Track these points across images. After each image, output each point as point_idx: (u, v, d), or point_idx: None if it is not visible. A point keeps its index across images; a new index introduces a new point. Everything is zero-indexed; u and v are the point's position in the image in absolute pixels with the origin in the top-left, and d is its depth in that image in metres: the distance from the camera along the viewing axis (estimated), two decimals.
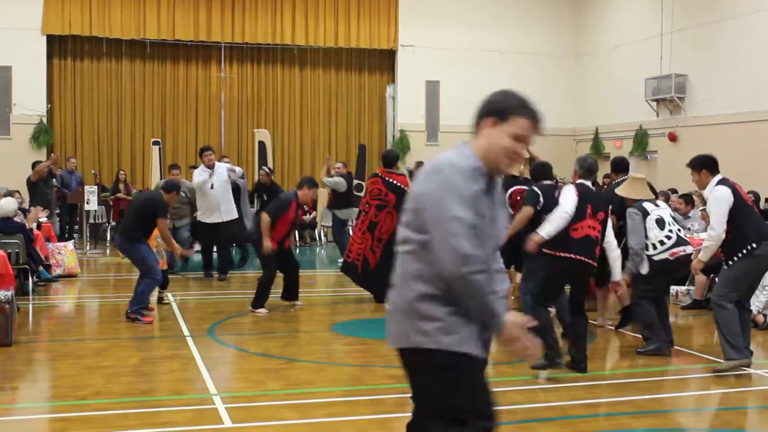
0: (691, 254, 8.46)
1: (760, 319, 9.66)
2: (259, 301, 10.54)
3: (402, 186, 11.12)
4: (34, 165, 16.98)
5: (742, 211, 7.47)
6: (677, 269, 8.55)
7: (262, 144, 20.38)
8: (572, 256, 7.31)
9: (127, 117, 21.97)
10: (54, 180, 17.52)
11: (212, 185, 13.30)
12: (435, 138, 23.24)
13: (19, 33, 20.30)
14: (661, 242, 8.34)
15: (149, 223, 9.95)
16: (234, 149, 22.60)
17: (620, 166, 10.36)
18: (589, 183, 7.65)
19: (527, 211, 8.68)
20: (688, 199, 12.98)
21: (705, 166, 7.68)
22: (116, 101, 21.91)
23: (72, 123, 21.61)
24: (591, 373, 7.60)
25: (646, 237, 8.37)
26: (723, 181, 7.58)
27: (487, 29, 23.48)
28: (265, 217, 10.29)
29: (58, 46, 21.41)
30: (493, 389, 6.72)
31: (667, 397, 6.91)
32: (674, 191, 15.46)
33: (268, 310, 10.46)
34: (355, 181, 21.70)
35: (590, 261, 7.41)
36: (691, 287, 11.33)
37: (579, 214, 7.34)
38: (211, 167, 13.43)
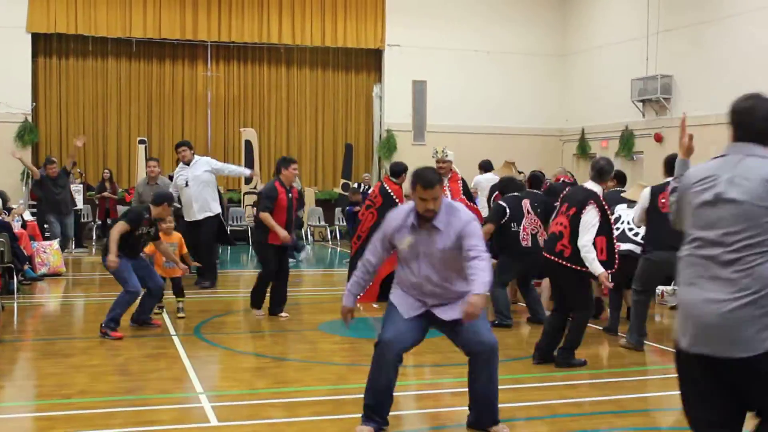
0: (628, 251, 8.91)
1: None
2: (255, 298, 10.33)
3: (393, 194, 11.33)
4: (47, 162, 16.20)
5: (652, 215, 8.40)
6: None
7: (248, 143, 20.36)
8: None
9: (113, 116, 21.89)
10: (68, 177, 16.52)
11: (187, 182, 12.54)
12: (422, 138, 23.25)
13: (3, 31, 20.19)
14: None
15: (130, 239, 9.02)
16: (220, 148, 22.55)
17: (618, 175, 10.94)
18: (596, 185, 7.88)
19: (488, 227, 9.53)
20: None
21: None
22: (102, 100, 21.84)
23: (57, 122, 21.52)
24: (577, 372, 7.62)
25: None
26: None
27: (474, 29, 23.51)
28: (263, 215, 9.99)
29: (43, 45, 21.31)
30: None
31: (652, 396, 6.94)
32: None
33: (263, 313, 10.34)
34: (342, 181, 21.75)
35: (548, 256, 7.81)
36: (677, 287, 11.37)
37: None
38: (186, 164, 12.76)
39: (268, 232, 9.99)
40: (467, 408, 5.87)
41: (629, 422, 6.23)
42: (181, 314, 10.00)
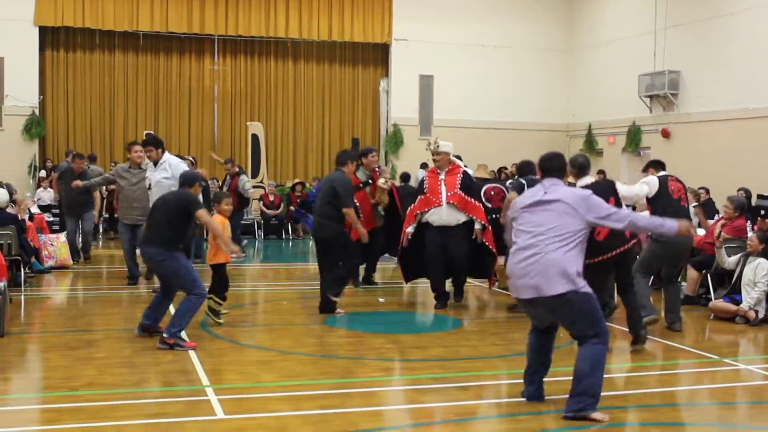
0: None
1: (752, 315, 9.69)
2: (338, 290, 9.99)
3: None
4: (75, 156, 14.53)
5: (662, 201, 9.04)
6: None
7: (255, 137, 20.37)
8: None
9: (119, 109, 21.93)
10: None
11: (149, 185, 10.71)
12: (428, 132, 23.22)
13: (11, 24, 20.24)
14: None
15: (182, 226, 8.18)
16: (227, 142, 22.59)
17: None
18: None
19: (513, 195, 9.16)
20: None
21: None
22: (109, 93, 21.88)
23: (64, 115, 21.57)
24: None
25: None
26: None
27: (481, 24, 23.49)
28: (348, 211, 9.70)
29: (51, 38, 21.35)
30: (486, 383, 6.76)
31: (658, 391, 6.92)
32: None
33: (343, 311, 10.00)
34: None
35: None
36: (683, 283, 11.35)
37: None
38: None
39: (346, 225, 9.86)
40: (473, 402, 5.87)
41: (635, 417, 6.23)
42: (218, 319, 9.13)
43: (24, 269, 11.58)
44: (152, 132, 20.11)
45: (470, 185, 10.37)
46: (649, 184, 9.07)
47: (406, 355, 8.11)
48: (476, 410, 6.15)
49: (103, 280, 13.11)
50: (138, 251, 10.77)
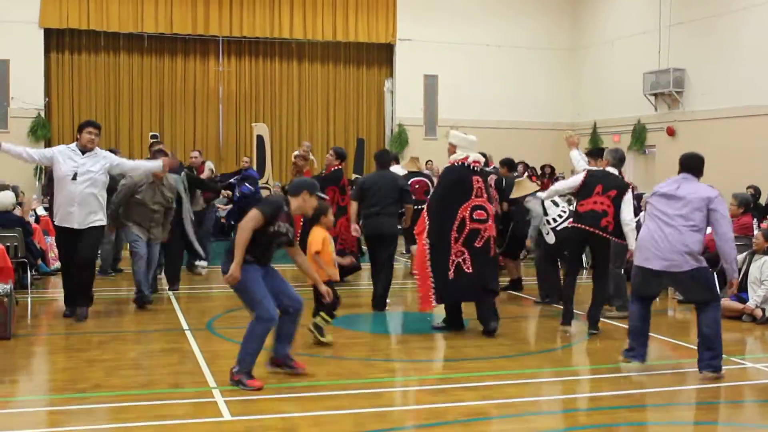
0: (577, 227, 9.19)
1: (759, 313, 9.67)
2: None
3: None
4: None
5: None
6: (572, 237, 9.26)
7: (260, 138, 20.38)
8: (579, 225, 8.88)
9: (125, 111, 21.97)
10: None
11: (75, 175, 9.20)
12: (433, 132, 23.26)
13: (16, 26, 20.29)
14: (559, 216, 10.39)
15: (262, 238, 6.62)
16: (232, 143, 22.62)
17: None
18: (614, 170, 9.09)
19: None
20: None
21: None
22: (114, 95, 21.92)
23: (70, 117, 21.61)
24: (590, 366, 7.61)
25: (546, 214, 10.50)
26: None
27: (485, 23, 23.48)
28: (410, 207, 10.61)
29: (56, 40, 21.40)
30: (492, 383, 6.76)
31: (665, 390, 6.91)
32: None
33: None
34: (354, 176, 21.73)
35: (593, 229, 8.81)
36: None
37: (585, 193, 8.92)
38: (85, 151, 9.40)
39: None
40: (480, 402, 5.86)
41: (643, 417, 6.22)
42: (323, 338, 8.27)
43: (30, 271, 11.59)
44: (157, 134, 20.13)
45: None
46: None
47: (413, 355, 8.11)
48: (483, 411, 6.15)
49: (109, 282, 13.12)
50: None
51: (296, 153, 12.27)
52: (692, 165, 7.55)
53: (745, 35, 18.29)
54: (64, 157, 9.21)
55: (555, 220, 10.45)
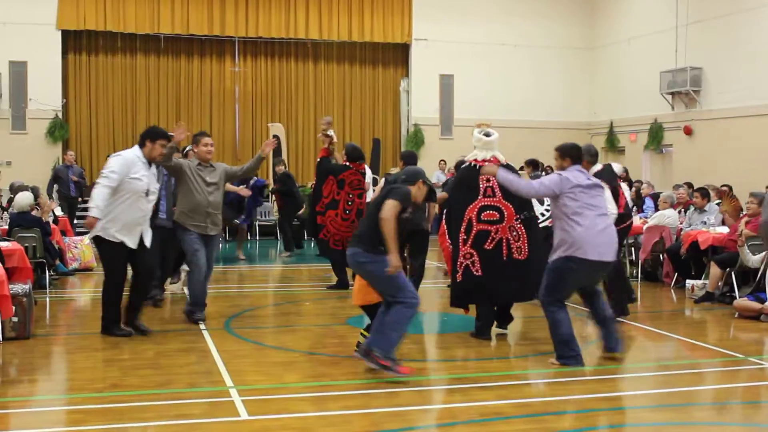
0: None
1: None
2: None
3: (364, 172, 12.05)
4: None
5: None
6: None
7: (276, 138, 20.38)
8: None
9: (141, 112, 22.05)
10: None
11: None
12: (449, 132, 23.24)
13: (34, 28, 20.41)
14: (542, 214, 9.97)
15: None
16: (248, 143, 22.67)
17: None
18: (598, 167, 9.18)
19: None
20: (704, 193, 12.92)
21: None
22: (131, 96, 22.01)
23: (87, 118, 21.72)
24: (607, 366, 7.59)
25: None
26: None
27: (501, 22, 23.44)
28: (434, 205, 10.51)
29: (73, 42, 21.51)
30: (509, 383, 6.75)
31: (684, 390, 6.89)
32: (690, 185, 15.38)
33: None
34: (372, 176, 21.72)
35: None
36: (706, 281, 11.29)
37: None
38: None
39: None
40: (496, 402, 5.86)
41: (659, 417, 6.20)
42: None
43: (48, 272, 11.66)
44: (173, 134, 20.16)
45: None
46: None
47: (428, 355, 8.11)
48: (500, 410, 6.14)
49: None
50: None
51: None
52: (578, 155, 7.68)
53: (761, 33, 18.19)
54: (138, 169, 8.50)
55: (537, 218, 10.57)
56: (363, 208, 11.65)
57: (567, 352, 7.38)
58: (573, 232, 7.24)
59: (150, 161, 8.62)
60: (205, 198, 9.25)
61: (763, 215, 9.82)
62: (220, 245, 9.60)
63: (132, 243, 8.47)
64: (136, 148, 8.63)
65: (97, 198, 8.24)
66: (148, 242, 8.64)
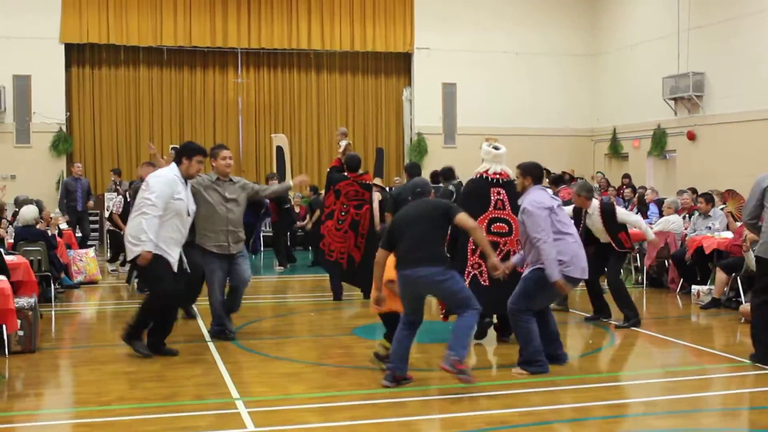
0: None
1: None
2: None
3: (370, 183, 11.91)
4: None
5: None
6: None
7: (279, 149, 20.44)
8: None
9: (145, 124, 22.09)
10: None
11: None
12: (453, 140, 23.23)
13: (37, 42, 20.46)
14: None
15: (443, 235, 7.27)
16: (252, 154, 22.69)
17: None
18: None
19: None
20: (708, 198, 12.90)
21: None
22: (134, 108, 22.04)
23: (91, 130, 21.75)
24: (613, 373, 7.58)
25: None
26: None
27: (503, 31, 23.45)
28: None
29: (77, 55, 21.56)
30: (515, 391, 6.74)
31: (690, 397, 6.88)
32: (694, 190, 15.37)
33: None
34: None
35: None
36: (712, 286, 11.28)
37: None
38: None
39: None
40: (503, 411, 5.84)
41: (666, 424, 6.19)
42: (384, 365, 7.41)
43: (54, 285, 11.69)
44: (177, 146, 20.21)
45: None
46: None
47: (434, 364, 8.11)
48: (506, 419, 6.14)
49: (131, 295, 13.19)
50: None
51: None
52: (539, 174, 7.77)
53: (763, 37, 18.17)
54: (180, 189, 8.25)
55: None
56: (359, 219, 11.52)
57: (537, 360, 7.47)
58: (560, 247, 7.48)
59: (186, 179, 8.33)
60: (224, 215, 8.87)
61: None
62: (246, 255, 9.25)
63: (173, 263, 8.21)
64: (174, 166, 8.30)
65: (149, 230, 7.91)
66: (184, 265, 8.42)
